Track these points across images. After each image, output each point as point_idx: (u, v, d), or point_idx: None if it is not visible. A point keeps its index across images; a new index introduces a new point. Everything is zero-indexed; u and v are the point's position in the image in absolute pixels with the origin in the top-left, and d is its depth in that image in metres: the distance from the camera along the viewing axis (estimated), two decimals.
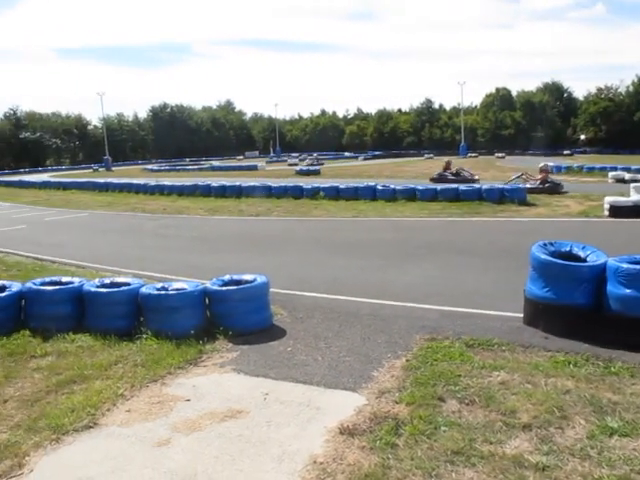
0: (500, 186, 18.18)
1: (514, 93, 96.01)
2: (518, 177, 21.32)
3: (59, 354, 5.57)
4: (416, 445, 3.55)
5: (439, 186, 18.86)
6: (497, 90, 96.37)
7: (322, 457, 3.52)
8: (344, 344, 5.57)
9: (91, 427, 4.12)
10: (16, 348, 5.76)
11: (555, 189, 19.36)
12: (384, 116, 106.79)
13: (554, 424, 3.75)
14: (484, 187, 17.96)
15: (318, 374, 4.86)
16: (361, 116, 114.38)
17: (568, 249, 5.92)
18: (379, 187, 19.68)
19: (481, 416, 3.91)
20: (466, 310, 6.48)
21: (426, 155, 67.06)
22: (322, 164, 47.63)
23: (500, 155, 60.65)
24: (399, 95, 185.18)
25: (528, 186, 19.10)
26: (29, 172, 67.73)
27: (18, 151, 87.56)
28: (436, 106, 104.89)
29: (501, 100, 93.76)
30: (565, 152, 64.00)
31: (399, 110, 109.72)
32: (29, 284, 6.51)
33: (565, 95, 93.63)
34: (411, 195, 18.59)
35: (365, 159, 65.28)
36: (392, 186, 19.69)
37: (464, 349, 5.18)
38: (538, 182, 19.74)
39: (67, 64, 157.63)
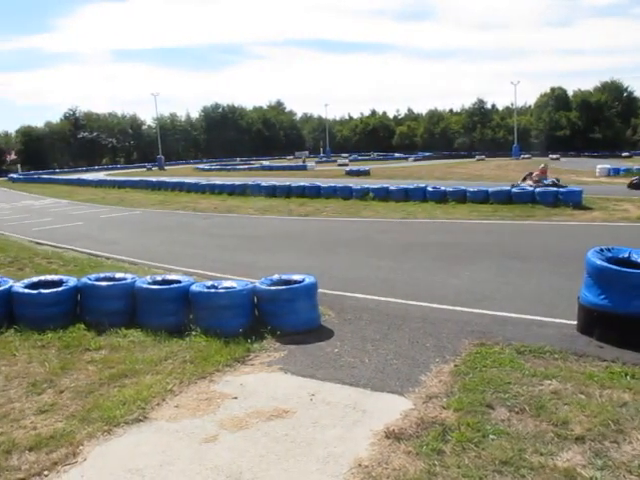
0: (554, 189, 17.68)
1: (570, 93, 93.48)
2: (527, 177, 20.88)
3: (112, 348, 5.73)
4: (463, 453, 3.49)
5: (490, 188, 18.48)
6: (552, 90, 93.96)
7: (367, 460, 3.49)
8: (392, 347, 5.53)
9: (141, 420, 4.21)
10: (72, 341, 5.95)
11: None
12: (435, 116, 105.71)
13: (609, 438, 3.60)
14: (537, 190, 17.51)
15: (365, 376, 4.83)
16: (412, 116, 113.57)
17: (626, 255, 5.70)
18: (429, 188, 19.46)
19: (531, 426, 3.79)
20: (517, 316, 6.33)
21: (477, 156, 65.96)
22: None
23: (554, 157, 58.97)
24: (450, 95, 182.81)
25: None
26: (86, 170, 70.16)
27: (76, 150, 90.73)
28: (488, 106, 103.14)
29: (556, 100, 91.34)
30: (624, 154, 61.78)
31: (450, 110, 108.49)
32: (84, 279, 6.72)
33: (625, 94, 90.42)
34: (461, 197, 18.31)
35: (415, 160, 64.78)
36: (442, 188, 19.44)
37: (514, 356, 5.05)
38: (532, 182, 19.07)
39: (123, 66, 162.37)
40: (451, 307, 6.80)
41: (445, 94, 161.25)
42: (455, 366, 4.91)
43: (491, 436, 3.65)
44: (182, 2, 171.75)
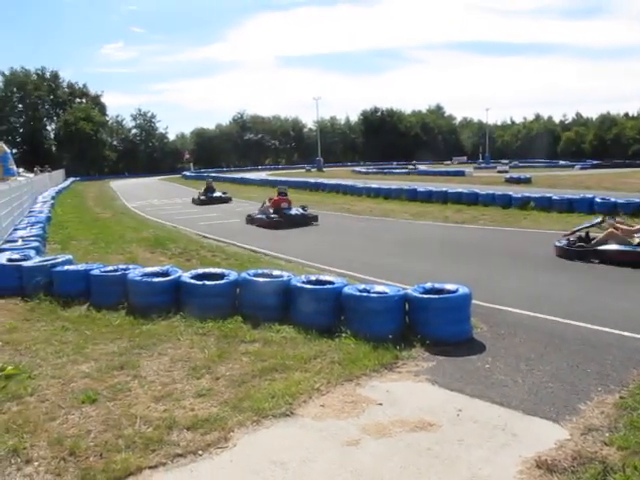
0: None
1: None
2: None
3: (265, 342, 5.97)
4: None
5: None
6: None
7: None
8: (548, 369, 5.18)
9: (287, 415, 4.34)
10: (229, 331, 6.30)
11: None
12: (607, 121, 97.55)
13: None
14: None
15: (517, 397, 4.57)
16: (580, 121, 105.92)
17: None
18: (597, 199, 17.98)
19: None
20: None
21: None
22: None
23: None
24: (627, 98, 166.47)
25: None
26: (250, 170, 74.31)
27: (242, 150, 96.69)
28: None
29: None
30: None
31: (625, 115, 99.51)
32: (244, 274, 7.08)
33: None
34: (636, 210, 16.68)
35: (582, 168, 60.11)
36: (612, 199, 17.88)
37: None
38: None
39: (287, 72, 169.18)
40: (618, 331, 6.19)
41: (620, 97, 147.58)
42: (621, 398, 4.46)
43: None
44: (342, 9, 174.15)
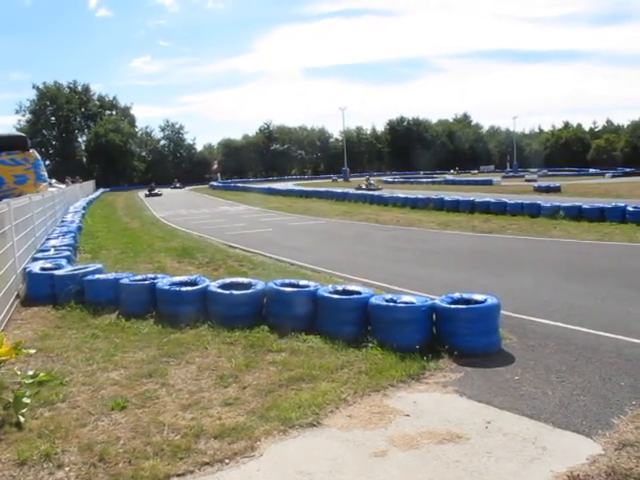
0: None
1: None
2: None
3: (292, 351, 5.97)
4: None
5: None
6: None
7: None
8: (579, 381, 5.08)
9: (314, 425, 4.33)
10: (256, 341, 6.32)
11: None
12: (639, 128, 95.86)
13: None
14: None
15: (547, 410, 4.49)
16: (611, 129, 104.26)
17: None
18: (630, 208, 17.62)
19: None
20: None
21: None
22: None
23: None
24: None
25: None
26: (276, 180, 74.85)
27: (268, 161, 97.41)
28: None
29: None
30: None
31: None
32: (271, 284, 7.11)
33: None
34: None
35: (613, 176, 58.99)
36: None
37: None
38: None
39: (313, 82, 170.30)
40: None
41: None
42: None
43: None
44: (367, 20, 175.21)
